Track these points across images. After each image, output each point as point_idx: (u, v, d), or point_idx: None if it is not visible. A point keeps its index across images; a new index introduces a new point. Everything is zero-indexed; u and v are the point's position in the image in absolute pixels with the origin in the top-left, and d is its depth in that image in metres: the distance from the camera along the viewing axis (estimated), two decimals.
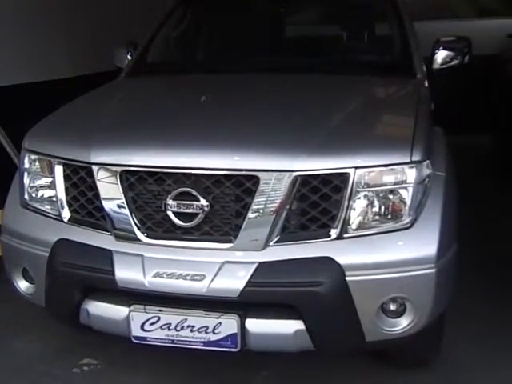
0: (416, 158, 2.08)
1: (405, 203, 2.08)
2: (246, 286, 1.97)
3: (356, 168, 2.04)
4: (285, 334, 2.04)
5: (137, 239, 2.11)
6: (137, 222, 2.12)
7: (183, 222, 2.07)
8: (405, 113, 2.37)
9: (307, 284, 1.96)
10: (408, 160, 2.07)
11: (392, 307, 2.08)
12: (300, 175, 2.02)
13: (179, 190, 2.06)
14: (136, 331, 2.12)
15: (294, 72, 2.95)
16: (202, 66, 3.39)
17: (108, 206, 2.13)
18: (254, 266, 2.00)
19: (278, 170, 2.01)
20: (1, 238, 2.40)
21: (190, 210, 2.05)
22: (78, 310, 2.20)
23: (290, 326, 2.03)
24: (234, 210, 2.05)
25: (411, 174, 2.08)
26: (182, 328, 2.08)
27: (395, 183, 2.08)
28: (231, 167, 2.04)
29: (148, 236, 2.11)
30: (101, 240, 2.16)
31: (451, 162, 2.38)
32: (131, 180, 2.12)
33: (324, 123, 2.22)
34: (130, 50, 3.41)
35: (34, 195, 2.34)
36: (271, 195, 2.02)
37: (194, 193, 2.05)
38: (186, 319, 2.07)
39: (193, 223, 2.06)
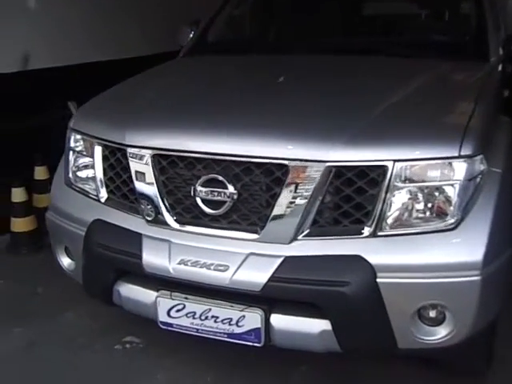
0: (466, 151, 1.87)
1: (450, 202, 1.88)
2: (269, 280, 1.88)
3: (395, 161, 1.86)
4: (310, 333, 1.93)
5: (166, 224, 2.08)
6: (167, 206, 2.08)
7: (211, 209, 2.00)
8: (462, 101, 2.14)
9: (333, 283, 1.83)
10: (456, 154, 1.87)
11: (430, 314, 1.90)
12: (333, 166, 1.88)
13: (208, 176, 1.99)
14: (163, 317, 2.10)
15: (358, 53, 2.76)
16: (263, 45, 3.27)
17: (140, 188, 2.11)
18: (280, 260, 1.90)
19: (308, 159, 1.88)
20: (47, 215, 2.46)
21: (218, 198, 1.98)
22: (111, 291, 2.21)
23: (316, 326, 1.92)
24: (263, 200, 1.95)
25: (459, 170, 1.88)
26: (207, 318, 2.03)
27: (440, 179, 1.88)
28: (260, 155, 1.94)
29: (177, 221, 2.07)
30: (133, 223, 2.14)
31: None
32: (163, 164, 2.07)
33: (368, 110, 2.05)
34: (193, 28, 3.37)
35: (77, 174, 2.37)
36: (301, 186, 1.89)
37: (223, 179, 1.97)
38: (210, 309, 2.01)
39: (220, 211, 1.99)
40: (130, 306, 2.23)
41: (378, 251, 1.86)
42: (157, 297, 2.08)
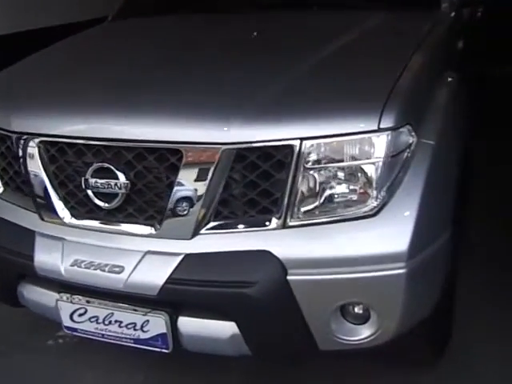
0: (388, 123, 1.59)
1: (370, 183, 1.61)
2: (165, 283, 1.64)
3: (302, 139, 1.59)
4: (221, 337, 1.70)
5: (59, 220, 1.84)
6: (59, 200, 1.83)
7: (104, 202, 1.76)
8: (392, 61, 1.83)
9: (236, 285, 1.59)
10: (375, 127, 1.59)
11: (353, 312, 1.67)
12: (232, 149, 1.61)
13: (96, 165, 1.74)
14: (66, 321, 1.88)
15: (289, 8, 2.45)
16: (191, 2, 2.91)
17: (31, 180, 1.86)
18: (179, 258, 1.66)
19: (203, 142, 1.62)
20: None
21: (109, 189, 1.73)
22: (15, 292, 2.00)
23: (227, 329, 1.68)
24: (159, 190, 1.70)
25: (380, 146, 1.60)
26: (110, 323, 1.81)
27: (357, 158, 1.61)
28: (152, 138, 1.67)
29: (71, 217, 1.83)
30: (26, 219, 1.90)
31: (459, 122, 1.86)
32: (52, 152, 1.82)
33: (277, 80, 1.75)
34: None
35: None
36: (198, 173, 1.64)
37: (113, 168, 1.72)
38: (112, 313, 1.79)
39: (113, 204, 1.74)
40: (36, 309, 2.01)
41: (288, 245, 1.61)
42: (57, 300, 1.86)
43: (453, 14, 2.34)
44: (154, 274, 1.66)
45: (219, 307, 1.65)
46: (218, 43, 2.16)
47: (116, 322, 1.80)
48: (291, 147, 1.59)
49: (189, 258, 1.66)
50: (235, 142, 1.60)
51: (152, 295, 1.66)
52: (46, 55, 2.39)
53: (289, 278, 1.59)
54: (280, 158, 1.61)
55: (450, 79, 2.02)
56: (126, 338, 1.82)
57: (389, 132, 1.60)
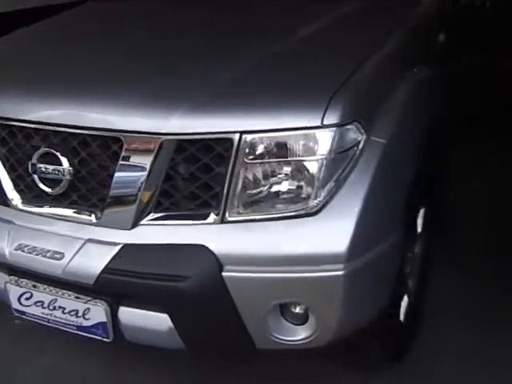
0: (332, 120, 1.53)
1: (312, 181, 1.56)
2: (102, 272, 1.62)
3: (242, 133, 1.54)
4: (160, 330, 1.67)
5: (9, 203, 1.83)
6: (9, 184, 1.82)
7: (50, 187, 1.74)
8: (347, 56, 1.75)
9: (169, 278, 1.56)
10: (318, 123, 1.53)
11: (292, 312, 1.63)
12: (172, 139, 1.57)
13: (42, 150, 1.72)
14: (15, 304, 1.87)
15: None
16: None
17: None
18: (117, 248, 1.63)
19: (143, 132, 1.58)
20: None
21: (54, 175, 1.71)
22: None
23: (164, 322, 1.65)
24: (101, 178, 1.68)
25: (323, 143, 1.54)
26: (55, 308, 1.80)
27: (299, 154, 1.55)
28: (95, 125, 1.64)
29: (19, 201, 1.81)
30: None
31: (422, 121, 1.79)
32: (2, 134, 1.81)
33: (227, 70, 1.70)
34: None
35: None
36: (139, 163, 1.60)
37: (57, 154, 1.69)
38: (56, 299, 1.78)
39: (57, 190, 1.72)
40: None
41: (225, 240, 1.57)
42: (6, 283, 1.86)
43: (437, 2, 2.23)
44: (92, 263, 1.64)
45: (154, 300, 1.62)
46: (173, 31, 2.11)
47: (60, 307, 1.79)
48: (231, 140, 1.54)
49: (127, 248, 1.63)
50: (175, 133, 1.56)
51: (89, 284, 1.64)
52: (10, 38, 2.37)
53: (224, 274, 1.55)
54: (220, 151, 1.56)
55: (418, 75, 1.93)
56: (69, 325, 1.80)
57: (333, 128, 1.54)
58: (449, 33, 2.31)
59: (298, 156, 1.55)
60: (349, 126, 1.56)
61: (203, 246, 1.56)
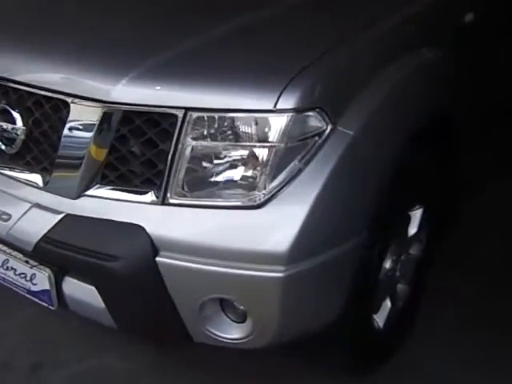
0: (287, 104, 1.36)
1: (259, 170, 1.40)
2: (40, 240, 1.55)
3: (187, 109, 1.40)
4: (96, 306, 1.59)
5: None
6: None
7: (5, 146, 1.68)
8: (320, 37, 1.55)
9: (101, 256, 1.47)
10: (270, 106, 1.36)
11: (232, 309, 1.50)
12: (116, 109, 1.46)
13: (0, 106, 1.65)
14: None
15: None
16: None
17: None
18: (59, 217, 1.56)
19: (87, 97, 1.48)
20: None
21: (8, 133, 1.64)
22: None
23: (100, 298, 1.59)
24: (51, 141, 1.59)
25: (275, 128, 1.38)
26: (8, 268, 1.76)
27: (247, 139, 1.39)
28: (47, 86, 1.55)
29: None
30: None
31: (409, 111, 1.58)
32: None
33: (178, 43, 1.54)
34: None
35: None
36: (84, 130, 1.50)
37: (12, 112, 1.62)
38: (8, 260, 1.74)
39: (12, 149, 1.66)
40: None
41: (163, 224, 1.45)
42: None
43: None
44: (32, 229, 1.57)
45: (87, 276, 1.55)
46: None
47: (12, 268, 1.74)
48: (175, 116, 1.41)
49: (68, 218, 1.55)
50: (119, 103, 1.45)
51: (28, 250, 1.59)
52: None
53: (158, 259, 1.44)
54: (165, 126, 1.43)
55: (417, 61, 1.68)
56: (20, 287, 1.76)
57: (289, 114, 1.37)
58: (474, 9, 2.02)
59: (247, 141, 1.40)
60: (309, 113, 1.39)
61: (140, 226, 1.46)
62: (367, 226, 1.53)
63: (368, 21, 1.63)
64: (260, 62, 1.45)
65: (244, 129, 1.39)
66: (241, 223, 1.41)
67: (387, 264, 1.88)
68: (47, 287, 1.67)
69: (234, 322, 1.51)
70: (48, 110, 1.57)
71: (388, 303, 1.96)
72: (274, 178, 1.39)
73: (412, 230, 1.99)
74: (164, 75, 1.45)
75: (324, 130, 1.41)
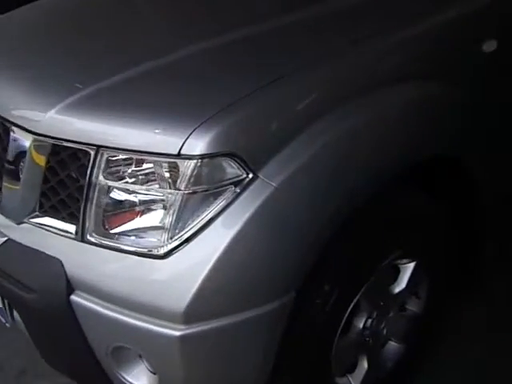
0: (195, 149, 1.23)
1: (165, 218, 1.28)
2: None
3: (99, 147, 1.32)
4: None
5: None
6: None
7: None
8: (263, 69, 1.38)
9: (22, 287, 1.44)
10: (175, 151, 1.24)
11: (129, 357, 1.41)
12: (45, 140, 1.42)
13: None
14: None
15: None
16: None
17: None
18: (1, 240, 1.57)
19: (22, 126, 1.46)
20: None
21: None
22: None
23: None
24: (2, 161, 1.60)
25: (183, 174, 1.25)
26: None
27: (155, 183, 1.29)
28: None
29: None
30: None
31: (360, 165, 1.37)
32: None
33: (105, 73, 1.45)
34: None
35: None
36: (19, 155, 1.49)
37: None
38: None
39: None
40: None
41: (80, 261, 1.39)
42: None
43: None
44: None
45: (13, 303, 1.54)
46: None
47: None
48: (89, 154, 1.34)
49: (9, 243, 1.54)
50: (45, 135, 1.41)
51: None
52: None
53: (73, 298, 1.39)
54: (84, 162, 1.37)
55: (388, 101, 1.44)
56: None
57: (197, 160, 1.24)
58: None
59: (155, 185, 1.29)
60: (222, 160, 1.25)
61: (60, 261, 1.42)
62: (296, 286, 1.35)
63: (314, 56, 1.42)
64: (175, 103, 1.34)
65: (152, 173, 1.29)
66: (144, 273, 1.31)
67: (359, 322, 1.67)
68: (1, 305, 1.70)
69: (149, 370, 1.42)
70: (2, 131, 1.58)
71: (364, 364, 1.75)
72: (181, 226, 1.28)
73: (400, 284, 1.76)
74: (82, 111, 1.39)
75: (243, 179, 1.27)
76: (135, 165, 1.31)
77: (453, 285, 1.94)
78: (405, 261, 1.73)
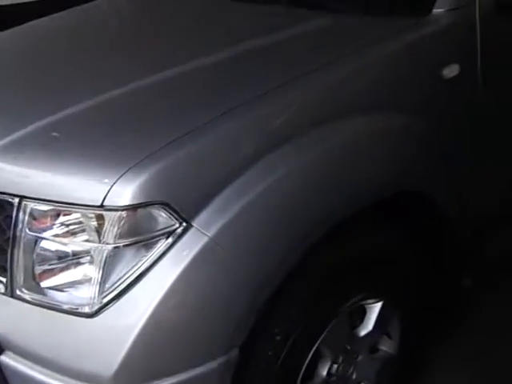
0: (119, 199, 1.14)
1: (92, 273, 1.18)
2: None
3: (22, 198, 1.23)
4: None
5: None
6: None
7: None
8: (191, 111, 1.30)
9: None
10: (98, 203, 1.15)
11: None
12: None
13: None
14: None
15: None
16: None
17: None
18: None
19: None
20: None
21: None
22: None
23: None
24: None
25: (108, 226, 1.16)
26: None
27: (79, 236, 1.19)
28: None
29: None
30: None
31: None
32: None
33: (36, 116, 1.35)
34: None
35: None
36: None
37: None
38: None
39: None
40: None
41: (8, 319, 1.30)
42: None
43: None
44: None
45: None
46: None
47: None
48: (12, 204, 1.25)
49: None
50: None
51: None
52: None
53: (2, 358, 1.29)
54: (10, 213, 1.28)
55: (344, 137, 1.34)
56: None
57: (123, 211, 1.14)
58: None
59: (82, 238, 1.20)
60: (151, 210, 1.15)
61: None
62: (240, 341, 1.25)
63: (249, 96, 1.30)
64: (100, 150, 1.24)
65: (75, 225, 1.19)
66: (72, 333, 1.21)
67: (323, 369, 1.56)
68: None
69: None
70: None
71: None
72: (111, 282, 1.18)
73: (367, 326, 1.64)
74: (8, 158, 1.29)
75: (175, 229, 1.17)
76: (62, 215, 1.21)
77: (429, 322, 1.83)
78: (370, 301, 1.62)
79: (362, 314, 1.65)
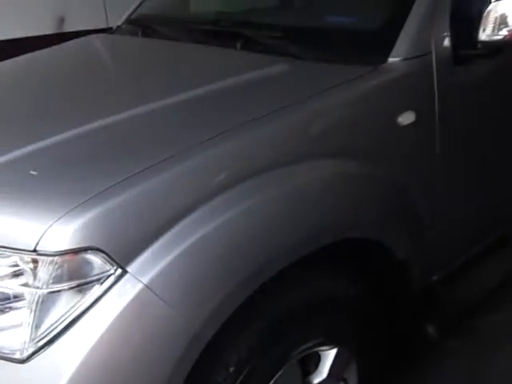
0: (52, 245, 1.13)
1: (24, 318, 1.17)
2: None
3: None
4: None
5: None
6: None
7: None
8: (127, 156, 1.31)
9: None
10: (31, 247, 1.14)
11: None
12: None
13: None
14: None
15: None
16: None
17: None
18: None
19: None
20: None
21: None
22: None
23: None
24: None
25: (41, 271, 1.15)
26: None
27: (12, 280, 1.18)
28: None
29: None
30: None
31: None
32: None
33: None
34: None
35: None
36: None
37: None
38: None
39: None
40: None
41: None
42: None
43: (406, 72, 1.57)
44: None
45: None
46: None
47: None
48: None
49: None
50: None
51: None
52: None
53: None
54: None
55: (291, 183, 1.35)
56: None
57: (55, 256, 1.13)
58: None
59: (12, 283, 1.19)
60: (85, 255, 1.14)
61: None
62: None
63: (190, 143, 1.31)
64: (36, 194, 1.23)
65: (9, 269, 1.19)
66: (3, 379, 1.19)
67: None
68: None
69: None
70: None
71: None
72: (44, 327, 1.16)
73: (321, 373, 1.61)
74: None
75: (109, 275, 1.16)
76: (1, 258, 1.21)
77: (387, 367, 1.80)
78: (324, 348, 1.59)
79: (316, 361, 1.63)
